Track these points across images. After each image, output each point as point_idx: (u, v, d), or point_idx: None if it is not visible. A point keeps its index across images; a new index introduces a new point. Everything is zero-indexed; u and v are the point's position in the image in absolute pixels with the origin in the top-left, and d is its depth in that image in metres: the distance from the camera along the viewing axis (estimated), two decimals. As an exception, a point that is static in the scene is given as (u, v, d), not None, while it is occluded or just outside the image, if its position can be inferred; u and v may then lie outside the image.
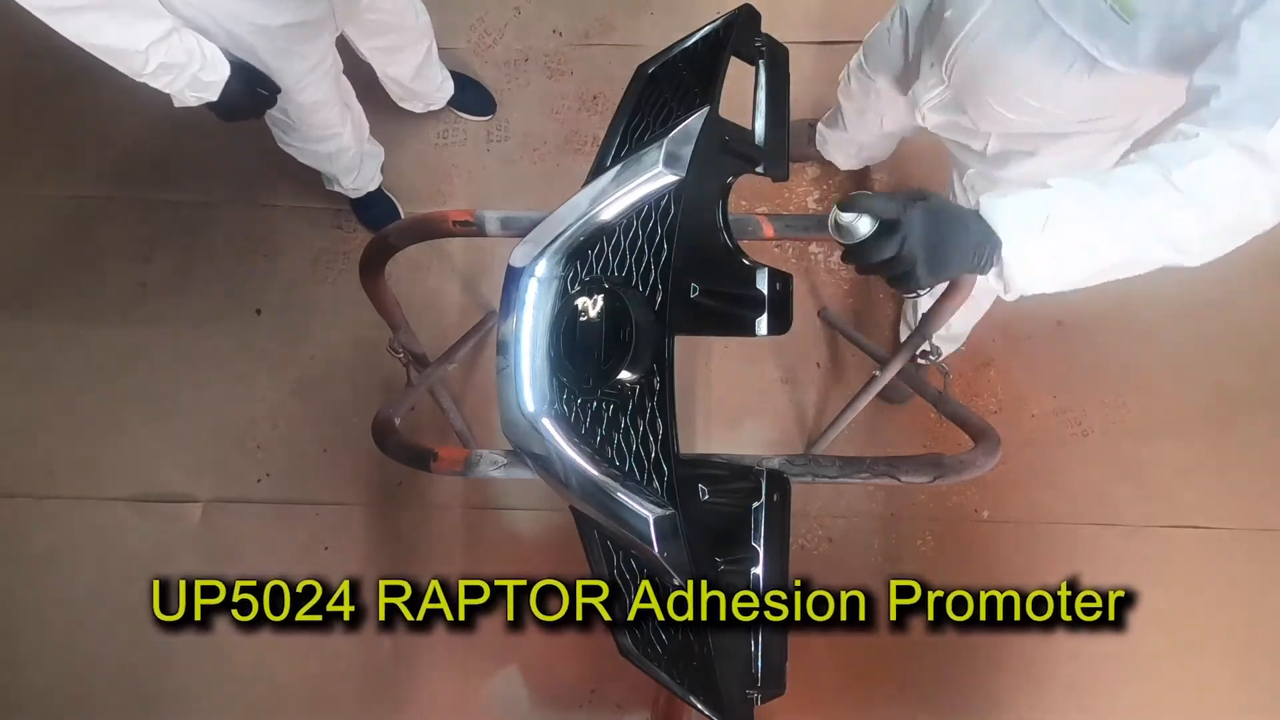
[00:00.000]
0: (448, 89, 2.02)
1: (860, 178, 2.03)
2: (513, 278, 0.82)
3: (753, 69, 0.89)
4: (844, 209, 0.72)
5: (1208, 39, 0.76)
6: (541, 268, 0.81)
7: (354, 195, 1.96)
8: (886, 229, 0.71)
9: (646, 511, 0.69)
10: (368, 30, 1.65)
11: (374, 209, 2.02)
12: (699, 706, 0.76)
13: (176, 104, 1.30)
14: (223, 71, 1.27)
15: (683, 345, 0.71)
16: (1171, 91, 1.02)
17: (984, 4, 0.99)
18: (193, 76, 1.23)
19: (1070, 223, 0.73)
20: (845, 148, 1.87)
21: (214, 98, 1.30)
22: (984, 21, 1.00)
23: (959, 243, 0.72)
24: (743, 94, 0.87)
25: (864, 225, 0.71)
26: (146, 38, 1.14)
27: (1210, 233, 0.74)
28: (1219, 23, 0.74)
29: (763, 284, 0.77)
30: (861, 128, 1.70)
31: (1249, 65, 0.71)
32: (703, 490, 0.72)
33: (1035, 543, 1.86)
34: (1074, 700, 1.80)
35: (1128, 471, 1.87)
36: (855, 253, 0.73)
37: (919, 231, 0.70)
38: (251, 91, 1.35)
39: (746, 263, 0.78)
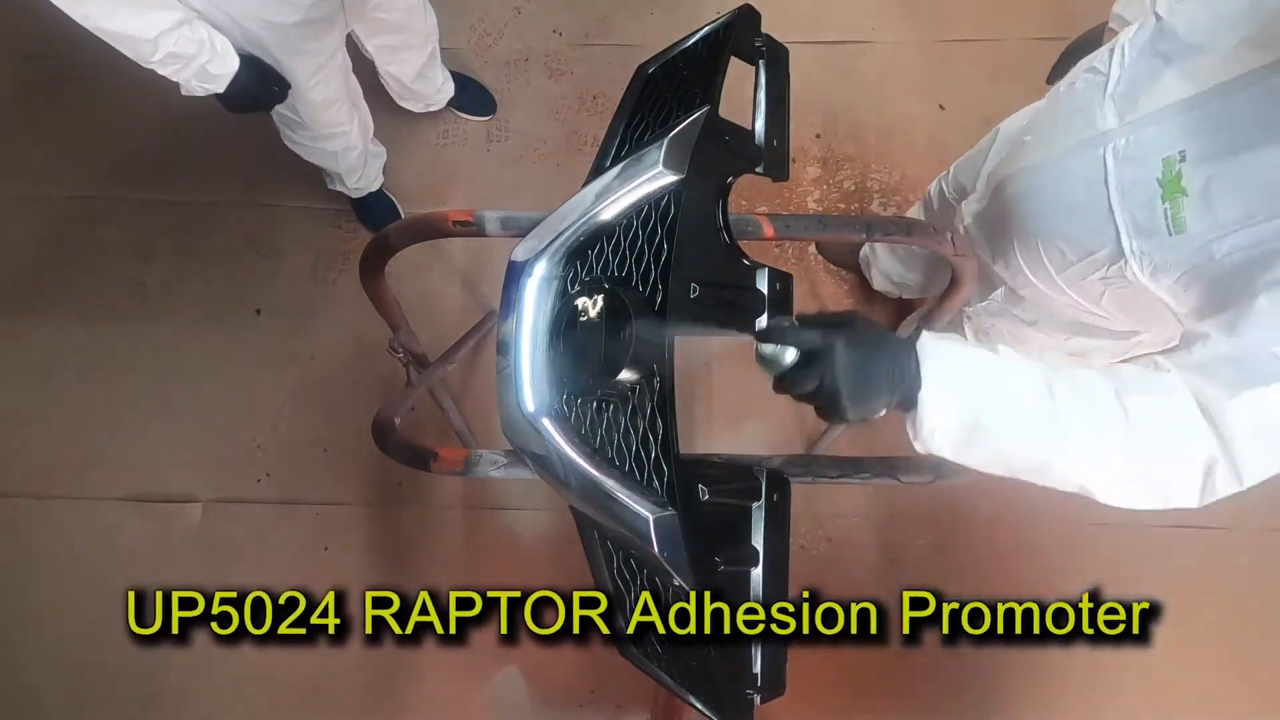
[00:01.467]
0: (448, 90, 2.02)
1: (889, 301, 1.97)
2: (513, 275, 0.82)
3: (753, 69, 0.89)
4: (764, 339, 0.70)
5: (1228, 296, 0.73)
6: (542, 267, 0.81)
7: (356, 195, 1.96)
8: (808, 359, 0.68)
9: (646, 512, 0.69)
10: (375, 27, 1.66)
11: (374, 209, 2.02)
12: (698, 707, 0.75)
13: (183, 92, 1.30)
14: (231, 65, 1.28)
15: (683, 345, 0.71)
16: (1167, 333, 1.02)
17: (1060, 144, 0.95)
18: (200, 68, 1.24)
19: (1000, 392, 0.69)
20: (889, 269, 1.77)
21: (220, 90, 1.30)
22: (1051, 161, 0.97)
23: (881, 376, 0.68)
24: (743, 94, 0.87)
25: (788, 355, 0.69)
26: (156, 26, 1.14)
27: (1133, 472, 0.70)
28: (1246, 286, 0.71)
29: (763, 284, 0.77)
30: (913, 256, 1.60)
31: (1246, 332, 0.69)
32: (703, 490, 0.72)
33: (1035, 543, 1.86)
34: (1075, 699, 1.80)
35: (1128, 471, 1.87)
36: (778, 384, 0.70)
37: (841, 364, 0.67)
38: (260, 86, 1.35)
39: (746, 263, 0.78)
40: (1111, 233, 0.86)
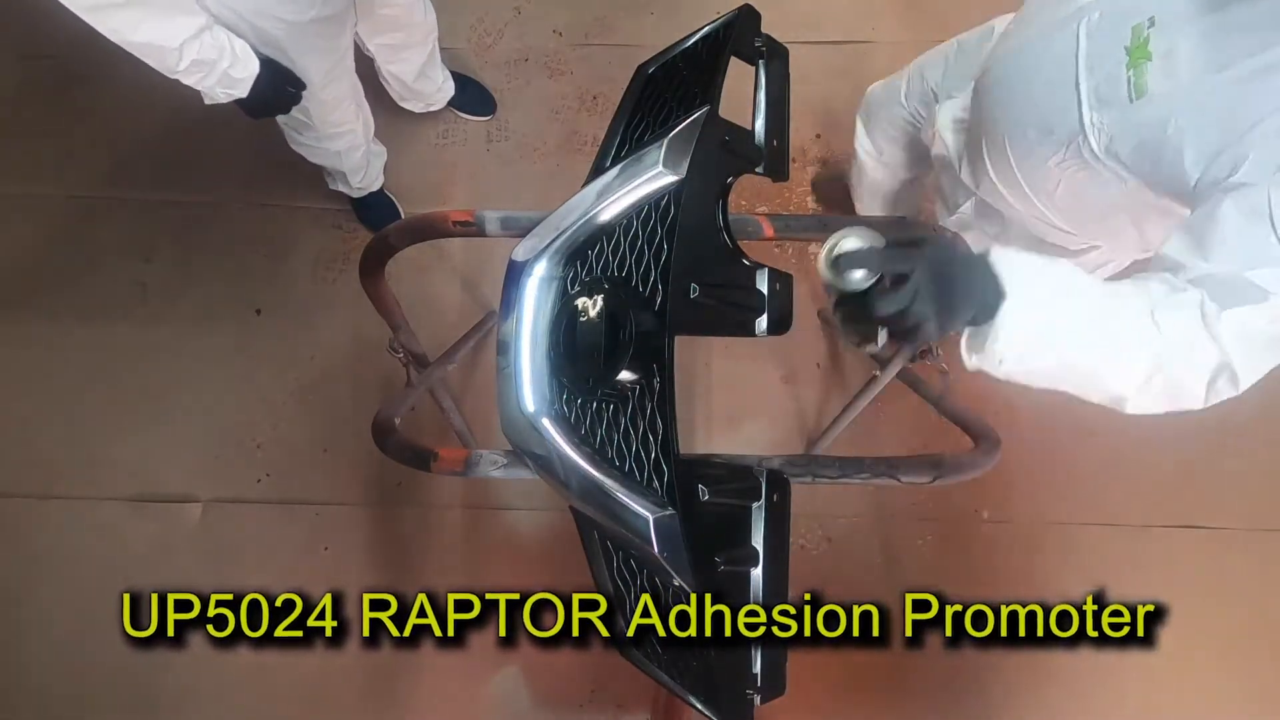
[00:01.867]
0: (448, 90, 2.02)
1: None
2: (513, 274, 0.82)
3: (753, 69, 0.89)
4: (833, 264, 0.66)
5: (1182, 182, 0.76)
6: (542, 267, 0.81)
7: (357, 195, 1.96)
8: (896, 282, 0.66)
9: (646, 512, 0.70)
10: (377, 26, 1.67)
11: (375, 209, 2.02)
12: (698, 707, 0.76)
13: (207, 101, 1.30)
14: (252, 68, 1.27)
15: (683, 345, 0.71)
16: (1122, 250, 1.07)
17: (1036, 25, 0.98)
18: (223, 73, 1.24)
19: (1072, 302, 0.69)
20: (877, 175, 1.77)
21: (244, 94, 1.30)
22: (1028, 42, 0.99)
23: (966, 293, 0.67)
24: (743, 94, 0.87)
25: (856, 275, 0.65)
26: (181, 34, 1.15)
27: (1160, 381, 0.72)
28: (1200, 178, 0.74)
29: (763, 284, 0.77)
30: (882, 160, 1.63)
31: (1220, 253, 0.72)
32: (703, 490, 0.72)
33: (1036, 543, 1.86)
34: (1078, 701, 1.80)
35: (1128, 471, 1.87)
36: (855, 304, 0.67)
37: (931, 285, 0.65)
38: (279, 88, 1.35)
39: (746, 263, 0.78)
40: (1073, 106, 0.89)
